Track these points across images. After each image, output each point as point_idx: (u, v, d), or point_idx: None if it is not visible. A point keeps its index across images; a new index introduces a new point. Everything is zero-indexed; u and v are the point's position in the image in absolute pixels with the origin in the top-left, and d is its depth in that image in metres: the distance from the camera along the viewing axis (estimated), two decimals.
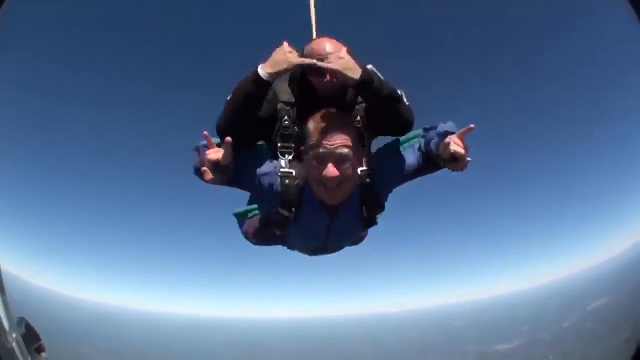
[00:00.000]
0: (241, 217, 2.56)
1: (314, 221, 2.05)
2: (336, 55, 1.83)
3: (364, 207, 2.03)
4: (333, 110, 1.91)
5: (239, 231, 2.57)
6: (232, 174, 1.89)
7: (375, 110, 1.91)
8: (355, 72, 1.79)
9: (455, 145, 1.76)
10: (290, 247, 2.44)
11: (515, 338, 55.08)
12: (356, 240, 2.58)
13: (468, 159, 1.80)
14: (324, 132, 1.81)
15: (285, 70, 1.87)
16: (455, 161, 1.79)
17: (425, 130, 2.09)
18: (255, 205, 2.45)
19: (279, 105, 2.01)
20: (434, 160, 1.94)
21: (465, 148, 1.77)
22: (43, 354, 2.34)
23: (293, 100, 2.02)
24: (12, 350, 1.86)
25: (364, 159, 1.97)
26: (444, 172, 2.02)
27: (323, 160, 1.80)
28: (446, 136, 1.81)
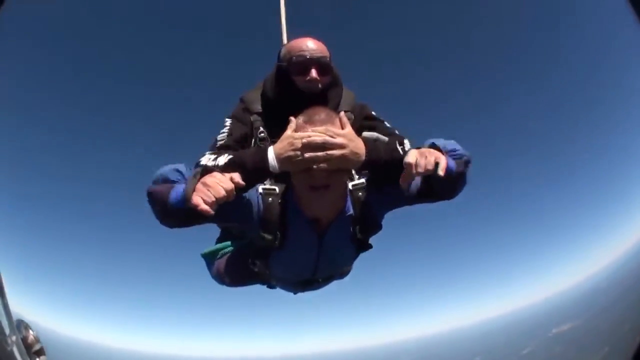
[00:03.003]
0: (210, 258, 2.17)
1: (301, 243, 1.78)
2: (333, 132, 1.49)
3: (357, 227, 1.79)
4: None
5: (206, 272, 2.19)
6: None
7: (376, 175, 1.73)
8: (360, 155, 1.53)
9: (417, 154, 1.44)
10: (271, 284, 2.17)
11: None
12: (344, 271, 2.22)
13: (417, 174, 1.41)
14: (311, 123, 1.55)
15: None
16: (406, 172, 1.47)
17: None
18: (226, 243, 2.13)
19: (253, 117, 1.91)
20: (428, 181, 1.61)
21: (425, 165, 1.39)
22: (43, 357, 2.29)
23: (260, 110, 1.93)
24: (12, 354, 1.81)
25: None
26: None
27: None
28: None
